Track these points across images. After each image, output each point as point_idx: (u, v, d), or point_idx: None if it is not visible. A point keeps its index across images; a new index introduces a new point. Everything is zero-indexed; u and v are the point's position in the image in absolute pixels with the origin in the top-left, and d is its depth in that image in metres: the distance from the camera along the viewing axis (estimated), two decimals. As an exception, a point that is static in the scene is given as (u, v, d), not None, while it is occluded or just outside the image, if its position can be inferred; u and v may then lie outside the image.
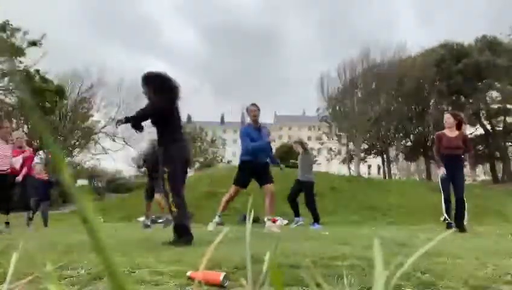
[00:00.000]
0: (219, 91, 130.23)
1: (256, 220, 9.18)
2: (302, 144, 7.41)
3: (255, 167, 5.20)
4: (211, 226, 5.42)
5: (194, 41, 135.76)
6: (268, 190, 5.16)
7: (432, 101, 29.41)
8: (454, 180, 5.23)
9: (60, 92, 22.80)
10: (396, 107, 29.04)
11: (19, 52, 19.35)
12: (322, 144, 35.63)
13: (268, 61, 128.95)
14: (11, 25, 19.40)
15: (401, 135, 31.64)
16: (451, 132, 5.40)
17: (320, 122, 34.05)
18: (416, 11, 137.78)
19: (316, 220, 7.00)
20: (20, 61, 19.88)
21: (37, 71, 20.94)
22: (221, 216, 5.54)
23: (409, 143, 32.25)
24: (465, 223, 5.15)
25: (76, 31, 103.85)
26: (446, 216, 5.29)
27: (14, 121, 22.52)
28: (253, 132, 5.26)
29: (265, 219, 5.28)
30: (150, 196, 6.88)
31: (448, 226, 5.22)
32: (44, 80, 21.30)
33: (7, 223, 6.10)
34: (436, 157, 5.52)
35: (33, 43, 20.21)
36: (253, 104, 5.42)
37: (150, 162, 6.68)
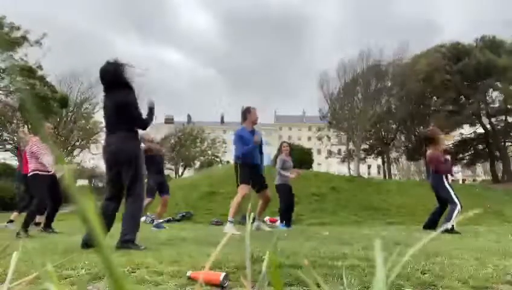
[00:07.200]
0: (218, 90, 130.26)
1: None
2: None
3: (252, 169, 5.25)
4: (228, 229, 5.05)
5: (197, 31, 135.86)
6: (265, 195, 5.40)
7: (433, 101, 29.36)
8: None
9: (63, 101, 22.93)
10: (397, 107, 29.01)
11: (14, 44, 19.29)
12: (322, 142, 35.57)
13: (268, 60, 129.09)
14: (7, 21, 19.39)
15: (402, 135, 31.59)
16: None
17: (320, 122, 33.98)
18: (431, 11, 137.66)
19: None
20: (20, 58, 19.89)
21: (45, 81, 21.07)
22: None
23: (410, 144, 32.17)
24: None
25: (84, 25, 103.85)
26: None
27: (15, 121, 22.56)
28: (247, 134, 5.30)
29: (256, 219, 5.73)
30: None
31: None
32: (52, 90, 21.45)
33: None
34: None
35: (36, 42, 20.25)
36: (254, 108, 5.49)
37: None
